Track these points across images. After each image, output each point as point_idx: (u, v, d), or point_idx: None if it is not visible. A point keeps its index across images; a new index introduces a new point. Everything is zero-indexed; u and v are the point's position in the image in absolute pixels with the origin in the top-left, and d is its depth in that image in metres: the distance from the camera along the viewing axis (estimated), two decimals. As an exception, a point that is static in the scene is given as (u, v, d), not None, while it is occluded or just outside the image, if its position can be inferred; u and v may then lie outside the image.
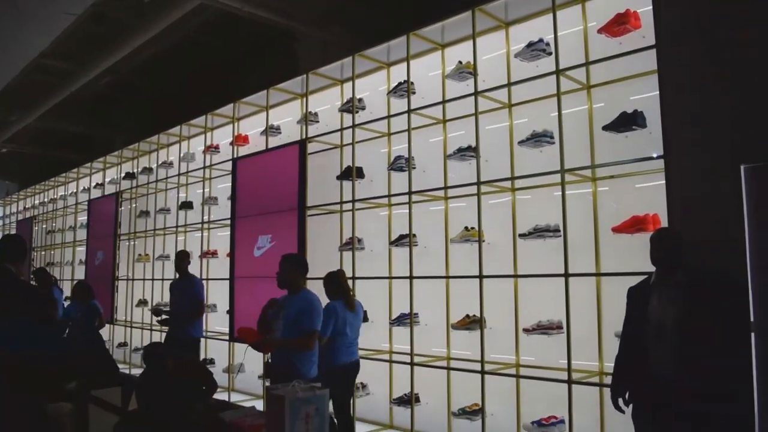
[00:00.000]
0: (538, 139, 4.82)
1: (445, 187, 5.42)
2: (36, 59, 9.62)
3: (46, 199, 14.35)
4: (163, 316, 6.90)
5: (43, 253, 14.14)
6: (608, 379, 4.00)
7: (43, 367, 3.77)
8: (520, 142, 4.93)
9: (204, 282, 8.12)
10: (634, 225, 4.19)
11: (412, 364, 5.28)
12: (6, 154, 15.93)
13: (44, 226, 14.22)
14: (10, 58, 8.91)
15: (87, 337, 6.70)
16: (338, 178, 6.31)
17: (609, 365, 4.18)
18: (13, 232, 15.62)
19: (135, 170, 10.40)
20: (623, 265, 4.22)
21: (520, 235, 4.86)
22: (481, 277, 4.84)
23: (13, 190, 17.51)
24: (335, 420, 4.77)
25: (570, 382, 4.21)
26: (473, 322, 4.95)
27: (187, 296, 6.67)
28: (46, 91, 11.37)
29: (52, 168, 14.33)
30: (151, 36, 8.44)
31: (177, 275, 7.00)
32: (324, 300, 4.76)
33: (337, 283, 5.05)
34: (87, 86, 10.88)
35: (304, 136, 6.76)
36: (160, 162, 9.57)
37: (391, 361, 5.70)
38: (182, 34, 9.20)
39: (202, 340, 7.92)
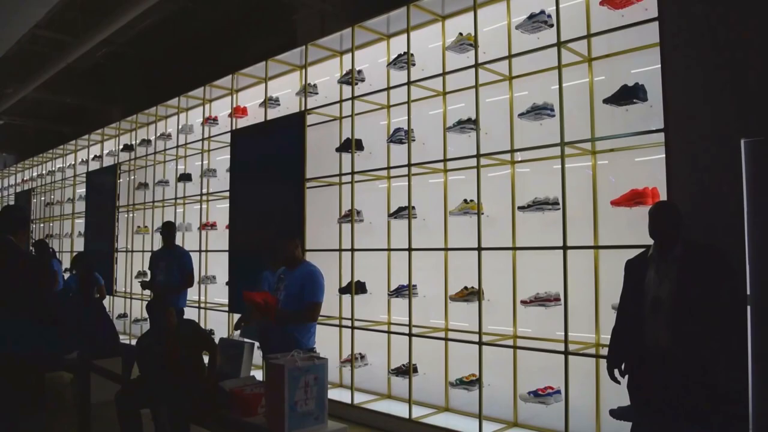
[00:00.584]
0: (538, 111, 4.79)
1: (445, 160, 5.40)
2: (31, 30, 9.52)
3: (44, 172, 14.30)
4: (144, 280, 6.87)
5: (42, 225, 14.14)
6: (604, 351, 4.04)
7: (38, 366, 3.81)
8: (520, 115, 4.90)
9: (204, 254, 8.14)
10: (633, 198, 4.19)
11: (410, 335, 5.32)
12: (2, 127, 15.85)
13: (43, 198, 14.20)
14: (5, 29, 8.79)
15: (86, 308, 6.72)
16: (337, 150, 6.29)
17: (605, 337, 4.22)
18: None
19: (133, 142, 10.34)
20: (622, 238, 4.24)
21: (519, 208, 4.86)
22: (479, 249, 4.86)
23: (10, 163, 17.46)
24: None
25: (567, 353, 4.25)
26: (471, 294, 4.98)
27: (177, 267, 6.65)
28: (41, 62, 11.27)
29: (49, 140, 14.27)
30: (148, 6, 8.34)
31: (162, 245, 6.97)
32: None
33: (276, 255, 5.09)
34: (83, 58, 10.77)
35: (303, 108, 6.71)
36: (158, 134, 9.52)
37: (389, 332, 5.74)
38: (179, 5, 9.08)
39: (201, 311, 7.99)
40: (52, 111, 15.29)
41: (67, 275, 8.80)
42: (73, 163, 12.69)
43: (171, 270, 6.64)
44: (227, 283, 7.46)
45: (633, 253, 3.59)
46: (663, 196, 3.97)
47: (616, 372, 3.44)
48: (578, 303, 4.40)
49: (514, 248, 4.94)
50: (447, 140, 5.51)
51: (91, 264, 7.65)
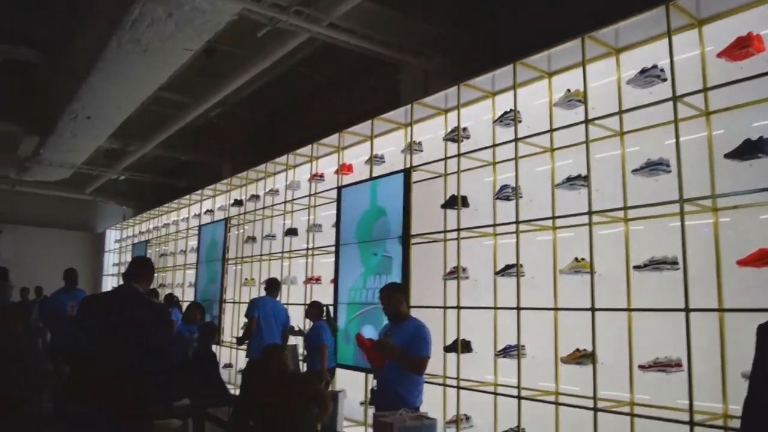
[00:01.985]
0: (653, 167, 4.71)
1: (554, 217, 5.38)
2: (155, 92, 10.40)
3: (159, 224, 15.31)
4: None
5: (155, 275, 15.03)
6: (734, 423, 3.83)
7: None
8: (634, 171, 4.83)
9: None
10: (762, 258, 4.00)
11: (519, 397, 5.22)
12: (124, 182, 17.17)
13: (157, 249, 15.17)
14: (134, 92, 9.66)
15: (198, 355, 7.09)
16: (443, 206, 6.40)
17: (734, 408, 4.00)
18: (129, 254, 16.76)
19: (243, 197, 10.94)
20: (750, 300, 4.04)
21: (634, 267, 4.74)
22: (593, 309, 4.75)
23: (129, 215, 18.81)
24: None
25: (692, 423, 4.03)
26: (584, 357, 4.85)
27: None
28: (162, 122, 12.24)
29: (165, 194, 15.34)
30: (260, 70, 8.95)
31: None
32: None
33: (320, 310, 7.03)
34: (199, 118, 11.62)
35: (408, 165, 6.92)
36: (267, 190, 10.03)
37: (496, 394, 5.65)
38: (288, 66, 9.67)
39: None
40: (168, 166, 16.47)
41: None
42: (186, 216, 13.54)
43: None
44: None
45: (764, 316, 3.41)
46: (795, 257, 3.78)
47: (751, 447, 3.24)
48: (702, 369, 4.18)
49: (629, 309, 4.80)
50: (556, 197, 5.50)
51: (202, 313, 8.14)
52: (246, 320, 7.55)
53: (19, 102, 12.24)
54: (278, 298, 7.60)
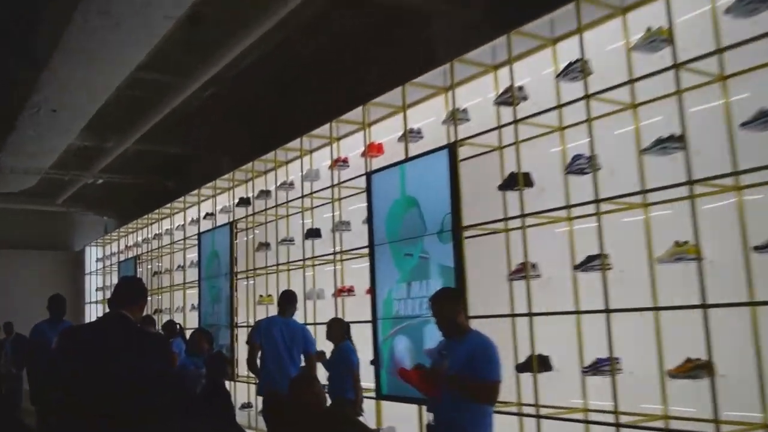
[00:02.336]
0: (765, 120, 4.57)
1: (644, 191, 5.27)
2: (132, 74, 10.45)
3: (150, 235, 15.44)
4: None
5: (149, 298, 15.20)
6: None
7: None
8: (744, 125, 4.68)
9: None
10: None
11: (618, 424, 5.14)
12: (102, 186, 17.29)
13: (149, 266, 15.31)
14: (107, 76, 9.71)
15: (206, 393, 7.15)
16: (500, 188, 6.34)
17: None
18: (115, 275, 16.94)
19: (250, 195, 10.97)
20: None
21: (754, 248, 4.60)
22: (704, 306, 4.64)
23: (111, 227, 18.94)
24: None
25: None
26: (698, 368, 4.71)
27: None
28: (143, 109, 12.30)
29: (153, 198, 15.40)
30: (260, 34, 8.88)
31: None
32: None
33: (344, 329, 7.02)
34: (189, 101, 11.63)
35: (452, 139, 6.85)
36: (279, 183, 10.04)
37: (587, 422, 5.59)
38: (294, 28, 9.58)
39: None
40: (154, 164, 16.55)
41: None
42: (182, 223, 13.64)
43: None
44: (372, 362, 7.61)
45: None
46: None
47: None
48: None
49: (752, 303, 4.66)
50: (644, 165, 5.38)
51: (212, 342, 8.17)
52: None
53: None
54: (293, 317, 7.50)
